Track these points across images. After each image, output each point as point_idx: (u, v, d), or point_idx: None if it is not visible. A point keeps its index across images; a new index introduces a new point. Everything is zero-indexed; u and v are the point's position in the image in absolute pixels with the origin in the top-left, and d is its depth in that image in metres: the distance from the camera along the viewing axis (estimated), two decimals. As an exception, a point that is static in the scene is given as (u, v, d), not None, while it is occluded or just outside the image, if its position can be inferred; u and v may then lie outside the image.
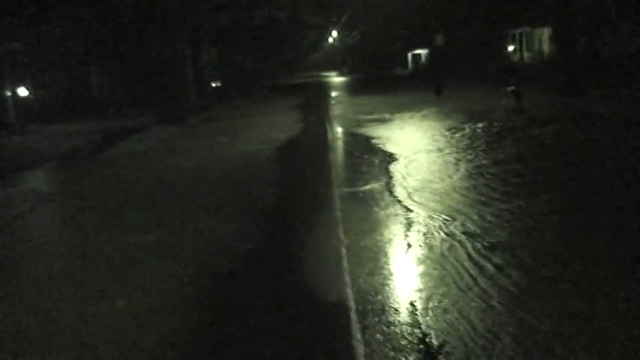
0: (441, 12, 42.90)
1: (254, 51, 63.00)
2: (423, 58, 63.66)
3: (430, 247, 6.45)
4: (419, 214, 7.77)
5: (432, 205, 8.18)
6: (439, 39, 27.72)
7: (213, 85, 56.66)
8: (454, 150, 12.36)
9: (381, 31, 60.84)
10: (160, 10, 28.61)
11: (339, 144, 15.01)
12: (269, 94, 42.10)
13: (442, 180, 9.67)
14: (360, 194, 9.21)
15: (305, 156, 13.57)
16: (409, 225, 7.36)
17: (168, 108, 25.80)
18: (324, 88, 44.87)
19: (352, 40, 68.52)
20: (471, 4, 46.51)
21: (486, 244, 6.39)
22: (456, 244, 6.49)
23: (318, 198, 9.20)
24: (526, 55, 46.15)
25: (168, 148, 16.60)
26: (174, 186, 10.99)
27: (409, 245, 6.60)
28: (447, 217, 7.50)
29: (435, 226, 7.17)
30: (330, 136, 16.38)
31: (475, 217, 7.40)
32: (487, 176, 9.69)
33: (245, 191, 9.97)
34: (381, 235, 7.05)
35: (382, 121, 18.91)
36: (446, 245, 6.47)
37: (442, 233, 6.89)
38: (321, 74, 79.13)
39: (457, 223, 7.24)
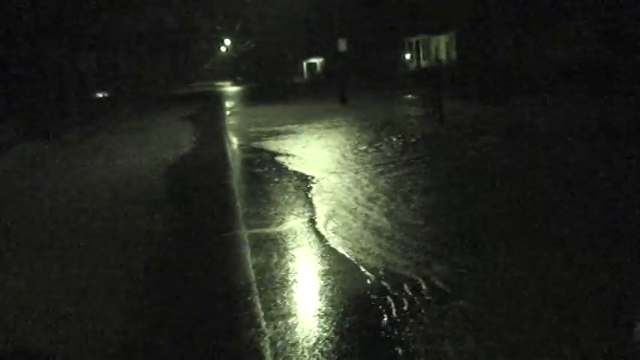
0: (342, 19, 41.22)
1: (143, 59, 59.07)
2: (319, 67, 62.08)
3: None
4: (378, 277, 5.35)
5: (396, 261, 5.78)
6: (342, 44, 25.63)
7: (100, 95, 52.42)
8: (378, 169, 10.09)
9: (275, 40, 58.66)
10: (32, 10, 24.99)
11: (240, 164, 12.41)
12: (160, 105, 38.75)
13: (382, 215, 7.30)
14: (279, 239, 6.69)
15: (200, 181, 10.87)
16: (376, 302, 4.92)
17: (40, 121, 22.21)
18: (218, 98, 41.99)
19: (246, 49, 65.93)
20: (367, 13, 45.12)
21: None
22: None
23: (218, 251, 6.59)
24: (423, 62, 45.21)
25: (24, 174, 13.38)
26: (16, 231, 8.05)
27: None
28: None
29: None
30: (229, 153, 13.74)
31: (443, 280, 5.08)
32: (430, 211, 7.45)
33: (112, 248, 7.18)
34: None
35: (286, 134, 16.47)
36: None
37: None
38: (214, 84, 75.89)
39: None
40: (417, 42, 45.14)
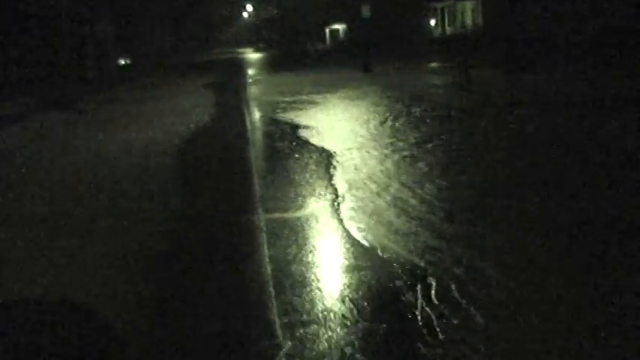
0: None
1: (164, 26, 58.35)
2: (342, 33, 60.89)
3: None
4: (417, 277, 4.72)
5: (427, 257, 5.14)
6: (366, 10, 24.66)
7: (122, 62, 51.83)
8: (405, 146, 9.39)
9: (298, 6, 57.47)
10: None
11: (260, 137, 11.78)
12: (181, 72, 38.11)
13: (413, 202, 6.64)
14: (299, 225, 6.07)
15: (217, 157, 10.26)
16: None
17: (59, 90, 21.73)
18: (240, 66, 41.24)
19: (268, 15, 64.80)
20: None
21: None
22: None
23: (230, 241, 6.00)
24: (448, 29, 43.98)
25: (37, 145, 12.89)
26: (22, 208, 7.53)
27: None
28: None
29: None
30: (248, 125, 13.11)
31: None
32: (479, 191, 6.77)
33: (122, 228, 6.64)
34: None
35: (309, 104, 15.78)
36: None
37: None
38: (236, 50, 74.93)
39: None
40: (443, 8, 43.86)
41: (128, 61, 52.62)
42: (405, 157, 8.61)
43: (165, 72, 39.36)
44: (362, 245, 5.36)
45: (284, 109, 15.06)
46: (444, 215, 5.94)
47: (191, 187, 8.19)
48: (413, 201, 6.46)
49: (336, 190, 7.22)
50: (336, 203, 6.69)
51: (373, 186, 7.20)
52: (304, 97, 17.24)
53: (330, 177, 7.83)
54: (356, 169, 8.15)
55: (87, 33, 30.42)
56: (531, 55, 21.37)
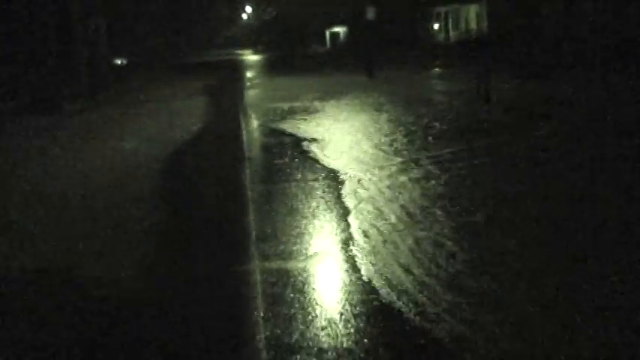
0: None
1: (163, 26, 56.88)
2: (342, 36, 59.57)
3: None
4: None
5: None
6: (371, 12, 23.25)
7: (118, 62, 50.31)
8: (423, 165, 7.99)
9: (298, 8, 56.06)
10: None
11: (257, 152, 10.34)
12: (177, 74, 36.67)
13: (445, 244, 5.25)
14: (304, 282, 4.68)
15: (207, 178, 8.83)
16: None
17: (44, 91, 20.26)
18: (238, 68, 39.80)
19: (268, 17, 63.36)
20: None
21: None
22: None
23: (213, 309, 4.60)
24: (452, 33, 42.61)
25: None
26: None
27: None
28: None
29: None
30: (244, 136, 11.71)
31: None
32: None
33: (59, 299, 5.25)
34: None
35: (310, 112, 14.37)
36: None
37: None
38: (235, 52, 73.39)
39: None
40: (446, 12, 42.50)
41: (124, 62, 51.15)
42: (429, 183, 7.22)
43: (162, 73, 37.91)
44: (385, 305, 3.98)
45: (284, 118, 13.67)
46: (449, 240, 4.55)
47: (174, 224, 6.75)
48: (428, 235, 5.06)
49: (348, 228, 5.82)
50: (350, 249, 5.30)
51: (394, 224, 5.80)
52: (306, 104, 15.84)
53: (342, 210, 6.42)
54: (366, 196, 6.75)
55: (79, 31, 28.89)
56: (546, 62, 20.03)
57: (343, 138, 10.67)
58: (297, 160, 9.19)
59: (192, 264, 5.27)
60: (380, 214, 6.13)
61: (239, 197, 7.21)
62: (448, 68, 25.03)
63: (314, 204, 6.72)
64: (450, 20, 42.72)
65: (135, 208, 7.05)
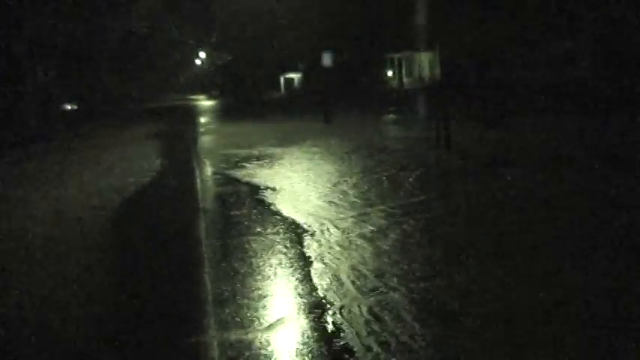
0: (322, 33, 39.04)
1: (115, 72, 56.07)
2: (297, 82, 59.82)
3: None
4: None
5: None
6: (327, 58, 23.11)
7: (69, 107, 49.12)
8: (392, 215, 7.52)
9: (252, 54, 56.10)
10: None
11: (211, 202, 9.71)
12: (129, 119, 35.86)
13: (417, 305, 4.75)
14: (263, 355, 4.09)
15: (157, 232, 8.19)
16: None
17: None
18: (192, 113, 39.24)
19: (222, 62, 63.22)
20: (348, 28, 42.80)
21: None
22: None
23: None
24: (405, 80, 43.07)
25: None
26: None
27: None
28: None
29: None
30: (198, 185, 11.11)
31: None
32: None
33: None
34: None
35: (268, 159, 13.88)
36: None
37: None
38: (189, 97, 72.86)
39: None
40: (400, 59, 42.99)
41: (74, 107, 49.95)
42: (384, 229, 6.74)
43: (113, 118, 37.04)
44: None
45: (240, 166, 13.13)
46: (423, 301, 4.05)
47: (118, 289, 6.10)
48: (400, 297, 4.55)
49: (315, 290, 5.27)
50: (316, 308, 4.76)
51: (362, 278, 5.28)
52: (262, 151, 15.35)
53: (306, 268, 5.87)
54: (332, 253, 6.23)
55: (28, 77, 28.08)
56: (502, 108, 20.08)
57: (302, 187, 10.15)
58: (255, 210, 8.63)
59: (139, 336, 4.63)
60: (339, 267, 5.61)
61: (193, 255, 6.59)
62: (403, 114, 24.96)
63: (275, 261, 6.16)
64: (404, 67, 43.20)
65: (70, 269, 6.37)
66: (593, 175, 9.45)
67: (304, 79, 54.17)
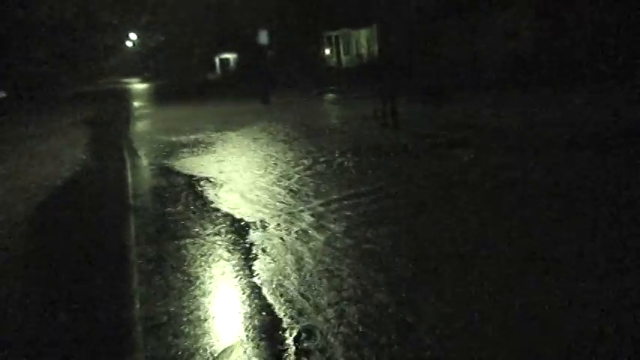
0: (258, 10, 37.81)
1: (46, 58, 53.24)
2: (232, 63, 58.30)
3: None
4: None
5: None
6: (264, 36, 22.05)
7: (-3, 95, 46.43)
8: (344, 207, 6.74)
9: (185, 35, 54.22)
10: None
11: (144, 197, 8.68)
12: (58, 105, 33.88)
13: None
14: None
15: (80, 236, 7.16)
16: None
17: None
18: (124, 97, 37.44)
19: (155, 44, 60.98)
20: (285, 5, 41.65)
21: None
22: None
23: None
24: (344, 58, 42.26)
25: None
26: None
27: None
28: None
29: None
30: (129, 177, 10.04)
31: None
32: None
33: None
34: None
35: (205, 145, 12.90)
36: None
37: None
38: (122, 81, 70.18)
39: None
40: (337, 37, 42.13)
41: (3, 94, 47.27)
42: (337, 224, 5.95)
43: (43, 105, 34.94)
44: None
45: (175, 153, 12.10)
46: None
47: (31, 313, 5.12)
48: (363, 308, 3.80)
49: (268, 307, 4.44)
50: (268, 325, 3.94)
51: (320, 286, 4.48)
52: (199, 136, 14.33)
53: (252, 277, 5.02)
54: (281, 254, 5.40)
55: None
56: (444, 85, 19.55)
57: (243, 177, 9.25)
58: (193, 207, 7.68)
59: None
60: (290, 272, 4.79)
61: (120, 268, 5.63)
62: (343, 93, 24.23)
63: (217, 271, 5.29)
64: (342, 45, 42.39)
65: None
66: (545, 152, 8.89)
67: (240, 60, 52.71)
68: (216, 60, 58.68)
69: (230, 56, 57.91)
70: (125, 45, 71.16)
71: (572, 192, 6.72)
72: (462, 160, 8.92)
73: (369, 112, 14.80)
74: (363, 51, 38.80)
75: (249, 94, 25.82)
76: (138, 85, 55.41)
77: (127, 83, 62.76)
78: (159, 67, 63.99)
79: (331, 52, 43.24)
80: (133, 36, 66.09)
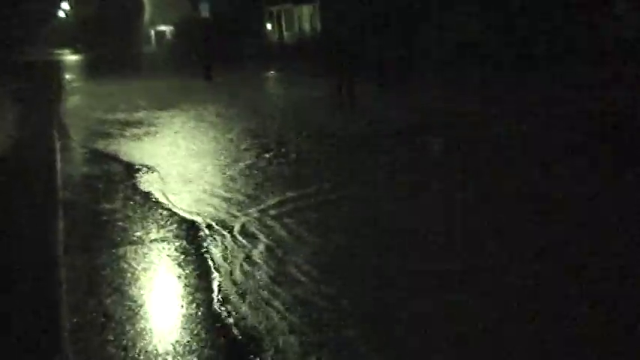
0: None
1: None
2: (168, 35, 55.99)
3: None
4: None
5: None
6: (205, 9, 20.67)
7: None
8: (308, 206, 5.83)
9: (120, 5, 51.72)
10: None
11: (77, 192, 7.46)
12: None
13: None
14: None
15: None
16: None
17: None
18: (55, 70, 35.14)
19: (87, 14, 57.99)
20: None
21: None
22: None
23: None
24: (286, 34, 41.00)
25: None
26: None
27: None
28: None
29: None
30: (58, 166, 8.80)
31: None
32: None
33: None
34: None
35: (145, 126, 11.69)
36: None
37: None
38: (52, 52, 66.61)
39: None
40: (279, 12, 40.80)
41: None
42: (300, 228, 5.05)
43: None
44: None
45: (111, 135, 10.87)
46: None
47: None
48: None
49: (232, 340, 3.50)
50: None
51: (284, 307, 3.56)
52: (136, 116, 13.07)
53: (212, 303, 4.04)
54: (238, 264, 4.45)
55: None
56: (395, 66, 18.74)
57: (183, 164, 8.20)
58: (132, 202, 6.60)
59: None
60: (255, 286, 3.87)
61: (42, 288, 4.54)
62: (287, 70, 23.18)
63: (167, 292, 4.29)
64: (284, 20, 41.10)
65: None
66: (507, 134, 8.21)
67: (177, 32, 50.60)
68: (152, 32, 56.33)
69: (166, 28, 55.61)
70: (57, 15, 67.59)
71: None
72: (432, 151, 8.12)
73: (318, 92, 13.86)
74: (306, 27, 37.71)
75: (190, 68, 24.41)
76: (70, 57, 52.71)
77: (58, 54, 59.66)
78: (92, 38, 61.01)
79: (273, 27, 41.91)
80: (65, 5, 62.73)
